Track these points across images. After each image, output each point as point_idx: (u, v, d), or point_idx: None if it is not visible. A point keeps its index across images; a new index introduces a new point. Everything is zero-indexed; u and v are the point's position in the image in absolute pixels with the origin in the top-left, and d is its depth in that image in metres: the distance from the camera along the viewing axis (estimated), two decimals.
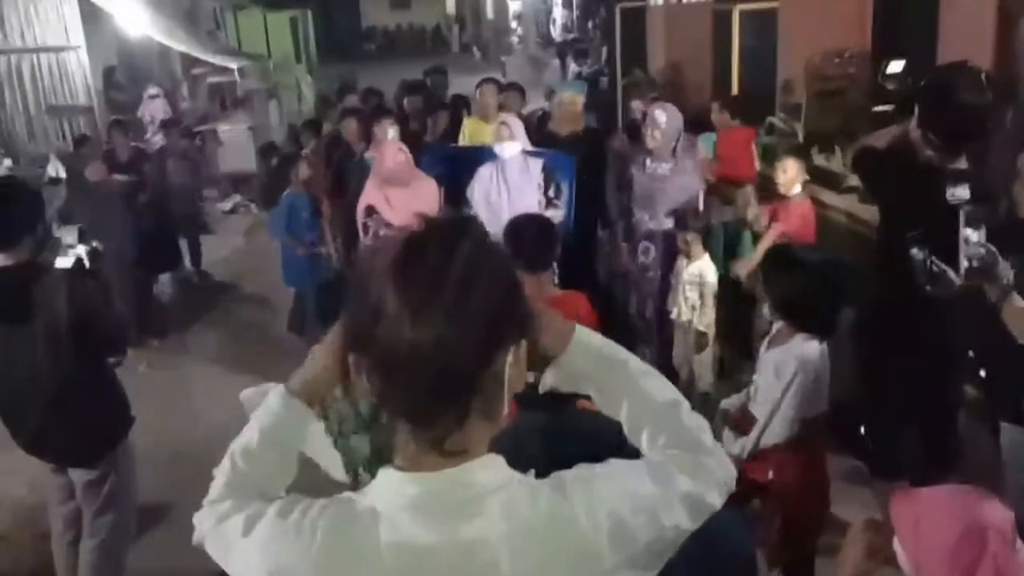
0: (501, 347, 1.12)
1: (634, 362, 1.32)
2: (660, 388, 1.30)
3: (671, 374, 5.35)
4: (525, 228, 3.56)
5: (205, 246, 8.98)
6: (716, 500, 1.24)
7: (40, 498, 4.55)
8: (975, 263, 2.80)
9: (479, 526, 1.11)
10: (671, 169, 5.17)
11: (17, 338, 3.21)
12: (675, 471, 1.21)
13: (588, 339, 1.30)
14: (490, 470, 1.15)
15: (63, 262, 3.27)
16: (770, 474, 3.08)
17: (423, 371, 1.08)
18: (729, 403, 3.42)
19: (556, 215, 5.04)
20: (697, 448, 1.25)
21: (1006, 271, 2.76)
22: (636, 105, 5.91)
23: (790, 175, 5.13)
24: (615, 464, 1.23)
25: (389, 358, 1.09)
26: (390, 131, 5.92)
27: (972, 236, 2.89)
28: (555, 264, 4.09)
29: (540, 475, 1.29)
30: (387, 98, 8.57)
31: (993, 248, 2.78)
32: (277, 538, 1.16)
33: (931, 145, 3.40)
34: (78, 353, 3.24)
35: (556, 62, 17.66)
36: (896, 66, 6.57)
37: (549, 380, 1.32)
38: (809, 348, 3.03)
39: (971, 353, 3.47)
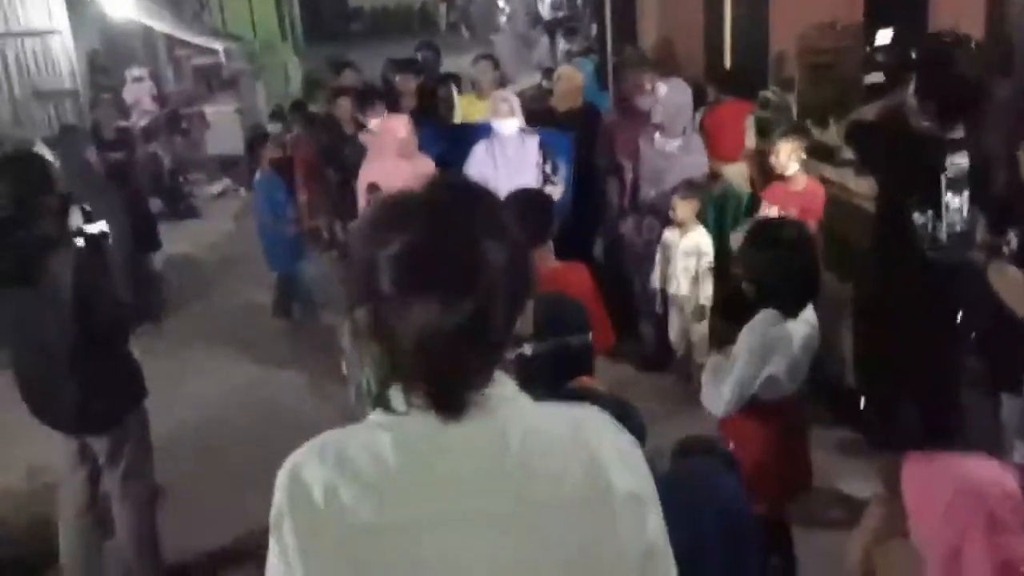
0: (521, 309, 1.16)
1: None
2: None
3: (669, 349, 5.35)
4: (523, 202, 3.53)
5: (194, 230, 8.93)
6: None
7: (35, 485, 4.54)
8: (958, 228, 2.80)
9: (497, 423, 1.13)
10: (680, 147, 5.13)
11: (33, 305, 3.27)
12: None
13: None
14: (500, 385, 1.16)
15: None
16: (731, 444, 3.06)
17: (452, 348, 1.08)
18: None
19: (554, 192, 5.02)
20: None
21: (985, 237, 2.76)
22: (634, 79, 5.85)
23: (782, 158, 4.98)
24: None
25: (419, 337, 1.08)
26: (373, 122, 5.93)
27: (954, 202, 2.89)
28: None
29: None
30: (373, 77, 8.49)
31: (975, 214, 2.78)
32: None
33: (928, 115, 3.39)
34: (88, 324, 3.29)
35: (545, 40, 17.51)
36: (885, 36, 6.52)
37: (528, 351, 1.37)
38: (767, 327, 2.94)
39: (966, 320, 3.47)
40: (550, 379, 2.29)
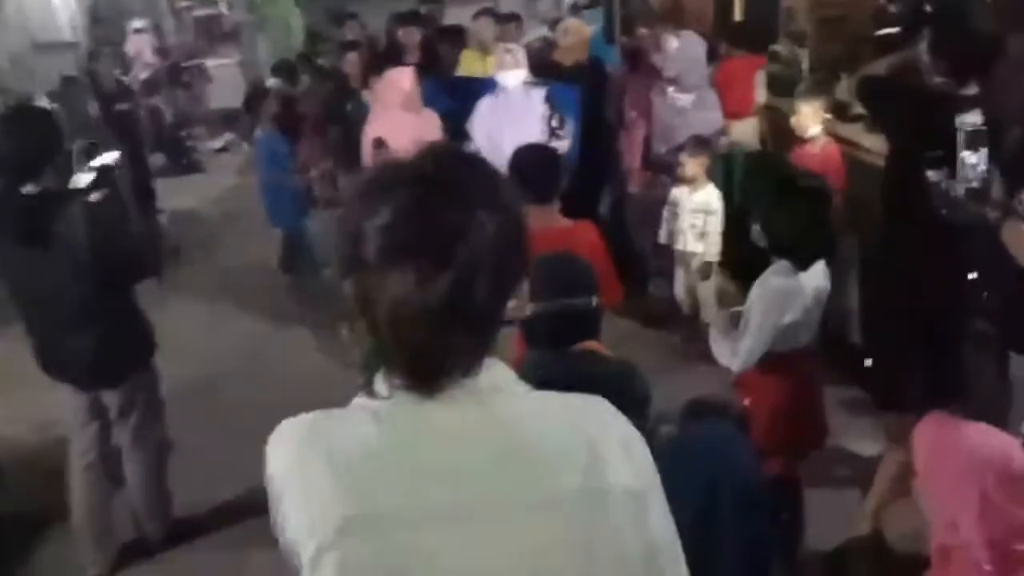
0: (513, 289, 1.11)
1: None
2: None
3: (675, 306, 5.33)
4: (530, 158, 3.51)
5: (196, 185, 8.88)
6: None
7: (44, 437, 4.56)
8: (974, 184, 2.76)
9: (484, 412, 1.09)
10: (693, 102, 5.05)
11: (43, 263, 3.26)
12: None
13: None
14: (493, 371, 1.11)
15: (82, 179, 3.34)
16: (746, 400, 3.06)
17: (427, 323, 1.03)
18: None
19: (560, 147, 4.96)
20: None
21: (1000, 194, 2.72)
22: (643, 33, 5.75)
23: (803, 120, 4.81)
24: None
25: (392, 310, 1.04)
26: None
27: (971, 158, 2.84)
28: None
29: None
30: (376, 28, 8.37)
31: (992, 169, 2.74)
32: None
33: (941, 71, 3.33)
34: (101, 277, 3.30)
35: None
36: None
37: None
38: (782, 278, 2.94)
39: (978, 280, 3.43)
40: (554, 341, 2.27)
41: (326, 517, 1.05)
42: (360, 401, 1.11)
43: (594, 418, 1.15)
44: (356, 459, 1.07)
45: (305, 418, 1.14)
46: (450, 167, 1.10)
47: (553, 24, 9.10)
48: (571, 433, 1.11)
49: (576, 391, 2.13)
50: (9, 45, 10.56)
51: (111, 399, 3.56)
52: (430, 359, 1.06)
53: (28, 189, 3.22)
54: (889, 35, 5.28)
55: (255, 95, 7.30)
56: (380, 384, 1.09)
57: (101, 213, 3.31)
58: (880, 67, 3.66)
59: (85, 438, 3.63)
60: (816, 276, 3.00)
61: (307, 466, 1.08)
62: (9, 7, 10.60)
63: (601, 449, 1.10)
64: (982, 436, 1.79)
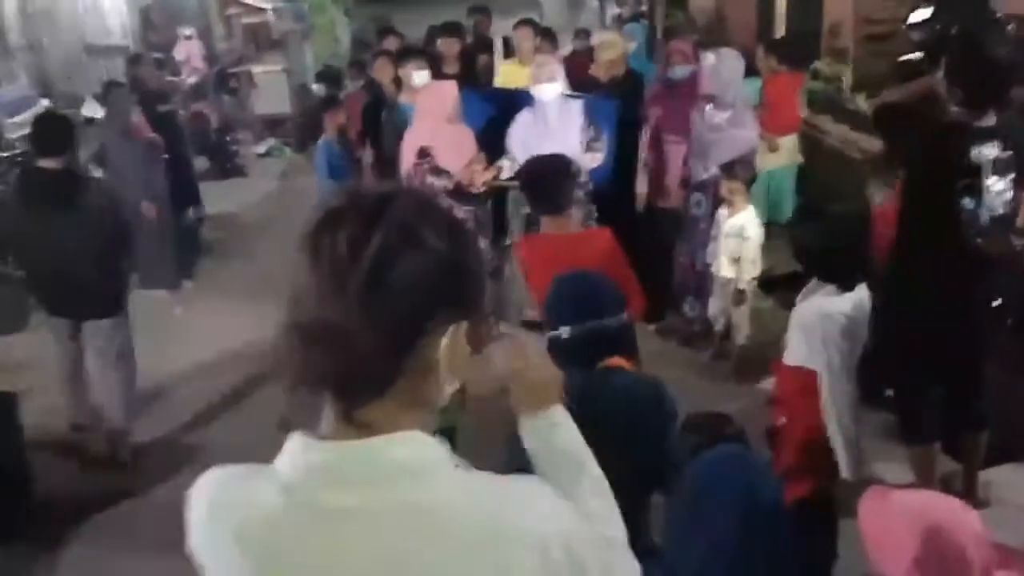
0: (424, 333, 1.05)
1: (587, 479, 1.27)
2: (599, 487, 1.29)
3: (708, 325, 5.28)
4: (538, 170, 3.57)
5: (239, 189, 8.99)
6: None
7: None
8: (1000, 211, 2.72)
9: (390, 495, 1.03)
10: (728, 119, 5.01)
11: (56, 223, 4.27)
12: (608, 548, 1.21)
13: (551, 429, 1.28)
14: (409, 447, 1.05)
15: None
16: (782, 420, 3.02)
17: (329, 351, 1.02)
18: None
19: (596, 159, 4.95)
20: (622, 546, 1.26)
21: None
22: (675, 45, 5.72)
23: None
24: (565, 502, 1.15)
25: (300, 331, 1.04)
26: (415, 75, 5.83)
27: (997, 185, 2.80)
28: (593, 208, 4.02)
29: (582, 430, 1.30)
30: (419, 39, 8.42)
31: (1018, 198, 2.70)
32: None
33: (957, 99, 3.27)
34: (103, 234, 4.37)
35: (595, 3, 17.28)
36: (922, 14, 6.30)
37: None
38: (831, 300, 2.91)
39: (1003, 305, 3.37)
40: (588, 361, 2.26)
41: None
42: (290, 445, 1.09)
43: (513, 516, 1.06)
44: (260, 536, 1.06)
45: (217, 478, 1.14)
46: (373, 204, 1.06)
47: (578, 34, 9.11)
48: (481, 530, 1.04)
49: (613, 408, 2.13)
50: (61, 47, 10.82)
51: (100, 329, 4.48)
52: (310, 387, 1.06)
53: (55, 165, 4.34)
54: (909, 61, 5.21)
55: (326, 103, 7.33)
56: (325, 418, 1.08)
57: (103, 189, 4.66)
58: (897, 94, 3.62)
59: (66, 360, 4.62)
60: (858, 293, 2.95)
61: (215, 537, 1.09)
62: (62, 10, 10.85)
63: (509, 555, 1.03)
64: (936, 501, 1.76)
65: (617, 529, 1.27)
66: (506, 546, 1.04)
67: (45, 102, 8.99)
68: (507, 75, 6.55)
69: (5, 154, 7.67)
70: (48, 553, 3.97)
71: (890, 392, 3.80)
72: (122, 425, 4.62)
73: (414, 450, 1.06)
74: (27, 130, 7.66)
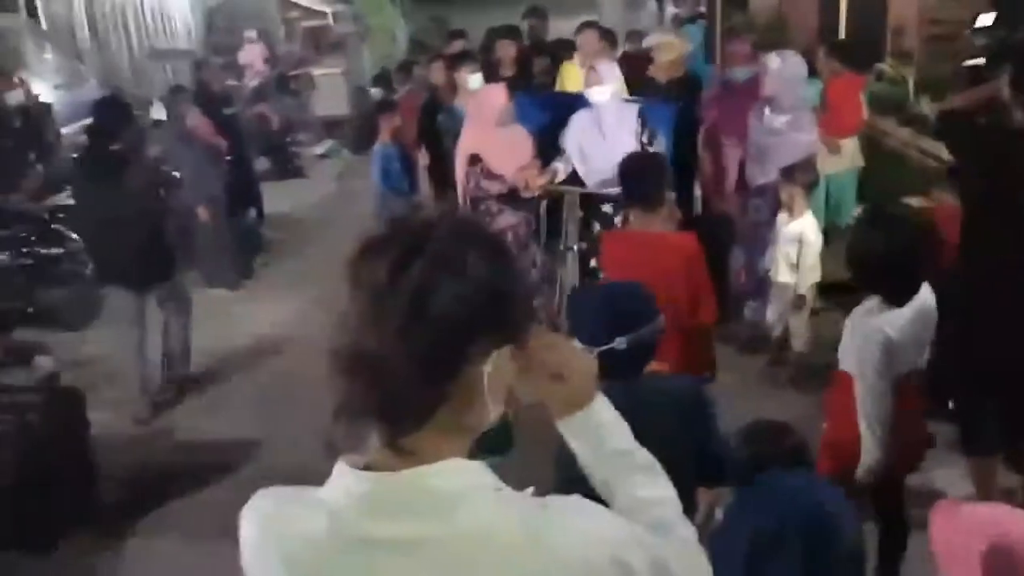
0: (466, 360, 1.05)
1: (639, 472, 1.26)
2: (652, 483, 1.27)
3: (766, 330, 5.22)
4: (634, 166, 3.72)
5: (298, 189, 9.13)
6: None
7: (141, 430, 4.79)
8: None
9: (434, 525, 1.04)
10: (787, 123, 4.94)
11: (117, 195, 4.85)
12: (663, 551, 1.16)
13: (595, 431, 1.25)
14: (451, 475, 1.06)
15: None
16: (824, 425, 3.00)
17: (370, 381, 1.03)
18: None
19: None
20: (683, 543, 1.22)
21: None
22: (736, 48, 5.66)
23: None
24: (609, 512, 1.17)
25: (342, 359, 1.05)
26: (469, 78, 5.85)
27: None
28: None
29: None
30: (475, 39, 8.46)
31: None
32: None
33: (1022, 109, 3.17)
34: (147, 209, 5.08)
35: (653, 3, 17.19)
36: (986, 18, 6.12)
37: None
38: (878, 311, 2.83)
39: None
40: (629, 373, 2.26)
41: None
42: (337, 471, 1.10)
43: (554, 540, 1.06)
44: (306, 561, 1.07)
45: (268, 502, 1.16)
46: (402, 242, 1.06)
47: (630, 36, 9.04)
48: (523, 556, 1.04)
49: (656, 412, 2.12)
50: (130, 53, 11.12)
51: (163, 291, 5.17)
52: (351, 415, 1.06)
53: (110, 148, 4.95)
54: (973, 67, 5.07)
55: (381, 107, 7.41)
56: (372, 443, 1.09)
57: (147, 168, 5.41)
58: (961, 101, 3.52)
59: (135, 330, 5.09)
60: (920, 300, 2.87)
61: (265, 559, 1.11)
62: (130, 16, 11.16)
63: (563, 565, 1.05)
64: (1008, 515, 1.73)
65: (673, 509, 1.25)
66: (550, 569, 1.04)
67: None
68: (566, 76, 6.53)
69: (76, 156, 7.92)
70: (112, 545, 4.09)
71: (951, 404, 3.71)
72: (185, 370, 5.43)
73: (455, 479, 1.06)
74: None
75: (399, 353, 1.01)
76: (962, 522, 1.73)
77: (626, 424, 1.28)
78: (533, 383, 1.20)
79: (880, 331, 2.76)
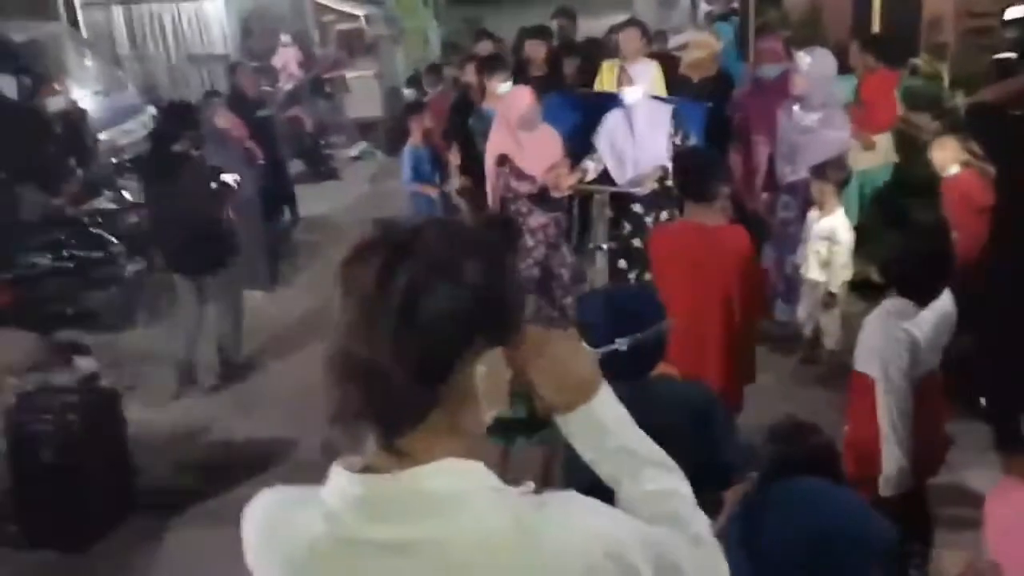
0: (458, 363, 1.05)
1: (648, 467, 1.22)
2: (660, 476, 1.23)
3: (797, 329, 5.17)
4: (690, 160, 3.95)
5: (332, 191, 9.18)
6: None
7: (177, 426, 4.86)
8: None
9: (430, 527, 1.04)
10: (819, 120, 4.90)
11: (174, 192, 5.37)
12: (668, 547, 1.14)
13: (596, 430, 1.21)
14: (446, 476, 1.06)
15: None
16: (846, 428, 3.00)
17: (361, 385, 1.04)
18: None
19: None
20: (694, 539, 1.18)
21: None
22: (767, 45, 5.62)
23: (947, 154, 4.60)
24: (608, 507, 1.15)
25: (334, 364, 1.06)
26: (500, 86, 5.84)
27: None
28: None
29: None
30: (508, 41, 8.47)
31: None
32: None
33: None
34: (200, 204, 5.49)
35: (686, 1, 17.09)
36: (1017, 11, 6.00)
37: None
38: (900, 312, 2.83)
39: None
40: (634, 375, 2.27)
41: None
42: (334, 473, 1.11)
43: (551, 538, 1.05)
44: (305, 562, 1.09)
45: (269, 502, 1.18)
46: (391, 247, 1.06)
47: (657, 35, 8.97)
48: (519, 556, 1.04)
49: (664, 417, 2.12)
50: (166, 57, 11.29)
51: (216, 279, 5.53)
52: (345, 422, 1.06)
53: (176, 148, 5.41)
54: (1004, 59, 4.98)
55: (410, 108, 7.47)
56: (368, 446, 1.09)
57: (200, 166, 5.66)
58: (991, 93, 3.48)
59: (191, 315, 5.60)
60: (941, 302, 2.86)
61: (265, 559, 1.14)
62: (168, 24, 11.33)
63: (582, 562, 1.04)
64: None
65: (685, 503, 1.22)
66: (548, 567, 1.04)
67: (152, 110, 9.42)
68: (605, 74, 6.48)
69: (114, 160, 8.07)
70: (149, 543, 4.17)
71: (983, 400, 3.67)
72: (238, 356, 5.81)
73: (450, 480, 1.06)
74: (135, 136, 8.12)
75: (390, 357, 1.01)
76: (1017, 501, 1.71)
77: (631, 419, 1.25)
78: (534, 380, 1.17)
79: (908, 332, 2.75)
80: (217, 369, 5.71)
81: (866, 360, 2.95)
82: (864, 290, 5.08)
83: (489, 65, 6.17)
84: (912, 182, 5.36)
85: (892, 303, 2.87)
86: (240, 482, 4.44)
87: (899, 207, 3.32)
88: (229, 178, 5.85)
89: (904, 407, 2.79)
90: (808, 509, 2.00)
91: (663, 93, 5.50)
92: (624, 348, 2.12)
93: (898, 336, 2.78)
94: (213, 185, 5.66)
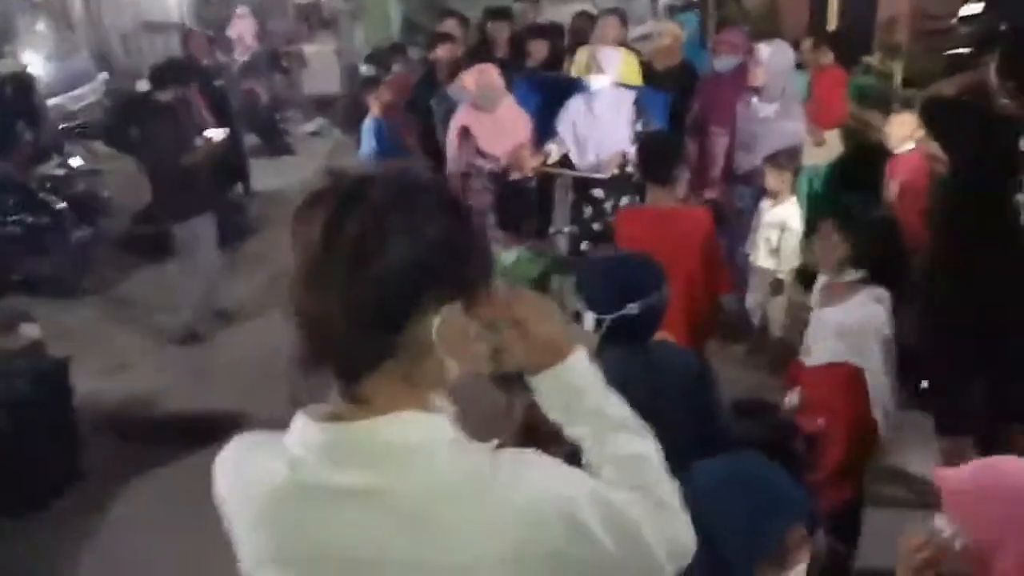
0: (411, 314, 1.05)
1: (622, 432, 1.22)
2: (627, 441, 1.22)
3: (745, 317, 5.27)
4: (650, 143, 4.16)
5: (287, 167, 9.09)
6: (662, 558, 1.15)
7: (125, 396, 4.78)
8: None
9: (385, 475, 1.06)
10: (776, 112, 4.98)
11: (173, 139, 5.59)
12: (625, 508, 1.13)
13: (570, 375, 1.21)
14: (404, 426, 1.08)
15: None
16: (820, 420, 3.02)
17: (314, 333, 1.06)
18: None
19: None
20: (657, 504, 1.18)
21: None
22: (725, 37, 5.69)
23: (904, 130, 4.78)
24: (567, 467, 1.14)
25: (291, 313, 1.07)
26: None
27: None
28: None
29: (635, 408, 1.25)
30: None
31: None
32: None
33: (1009, 92, 3.23)
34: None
35: None
36: (973, 8, 6.18)
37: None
38: (878, 307, 2.93)
39: None
40: (635, 340, 2.31)
41: (248, 552, 1.15)
42: (298, 420, 1.13)
43: (502, 491, 1.06)
44: (270, 507, 1.11)
45: (240, 447, 1.21)
46: (365, 187, 1.07)
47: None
48: (470, 507, 1.06)
49: (660, 381, 2.16)
50: (120, 25, 11.04)
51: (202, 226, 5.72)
52: (311, 368, 1.08)
53: (162, 97, 5.79)
54: (959, 55, 5.13)
55: (366, 83, 7.39)
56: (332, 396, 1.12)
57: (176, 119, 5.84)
58: (946, 87, 3.58)
59: (213, 260, 5.92)
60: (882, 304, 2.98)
61: (235, 501, 1.17)
62: None
63: (501, 529, 1.05)
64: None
65: (652, 467, 1.21)
66: (497, 521, 1.05)
67: (104, 76, 9.23)
68: (581, 60, 6.45)
69: (70, 125, 7.89)
70: (93, 512, 4.13)
71: (924, 385, 3.79)
72: (218, 303, 6.08)
73: (408, 430, 1.08)
74: (86, 102, 7.94)
75: (339, 307, 1.03)
76: (981, 477, 1.73)
77: (603, 383, 1.24)
78: (502, 339, 1.17)
79: (884, 314, 2.87)
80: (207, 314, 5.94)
81: (837, 349, 2.99)
82: (810, 281, 5.18)
83: (473, 58, 6.10)
84: (856, 174, 5.48)
85: (874, 292, 2.95)
86: (188, 453, 4.42)
87: (848, 196, 3.44)
88: (216, 132, 5.89)
89: (891, 387, 2.94)
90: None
91: (638, 81, 5.53)
92: (635, 312, 2.17)
93: (878, 328, 2.89)
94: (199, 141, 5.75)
